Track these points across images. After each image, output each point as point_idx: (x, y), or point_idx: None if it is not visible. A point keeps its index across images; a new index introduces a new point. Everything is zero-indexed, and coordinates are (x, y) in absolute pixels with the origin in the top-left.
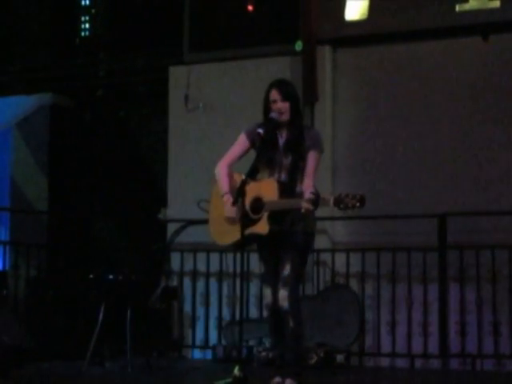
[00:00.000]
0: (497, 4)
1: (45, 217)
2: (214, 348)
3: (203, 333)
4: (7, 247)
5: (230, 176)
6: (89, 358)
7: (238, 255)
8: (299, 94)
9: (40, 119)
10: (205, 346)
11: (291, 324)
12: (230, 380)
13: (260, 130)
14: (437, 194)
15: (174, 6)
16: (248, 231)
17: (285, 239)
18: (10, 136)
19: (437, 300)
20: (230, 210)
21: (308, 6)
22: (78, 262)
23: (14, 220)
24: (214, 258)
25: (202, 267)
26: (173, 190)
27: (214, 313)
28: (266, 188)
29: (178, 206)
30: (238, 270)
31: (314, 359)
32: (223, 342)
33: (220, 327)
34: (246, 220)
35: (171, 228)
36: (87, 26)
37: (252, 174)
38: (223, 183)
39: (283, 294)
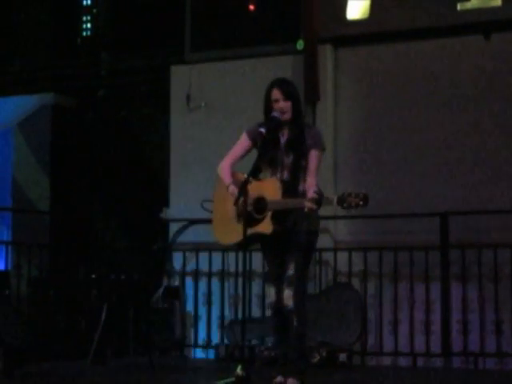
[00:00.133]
0: (498, 2)
1: (47, 217)
2: (216, 347)
3: (205, 332)
4: (9, 247)
5: (233, 174)
6: (91, 358)
7: (240, 254)
8: (300, 94)
9: (42, 119)
10: (207, 345)
11: (295, 323)
12: (232, 379)
13: (262, 130)
14: (439, 192)
15: (176, 6)
16: (251, 231)
17: (288, 239)
18: (12, 136)
19: (439, 299)
20: (233, 208)
21: (309, 5)
22: (80, 261)
23: (15, 220)
24: (216, 257)
25: (204, 267)
26: (174, 189)
27: (216, 312)
28: (269, 187)
29: (179, 206)
30: (240, 269)
31: (316, 358)
32: (225, 341)
33: (222, 327)
34: (249, 220)
35: (173, 228)
36: (89, 25)
37: (254, 174)
38: (226, 178)
39: (288, 293)
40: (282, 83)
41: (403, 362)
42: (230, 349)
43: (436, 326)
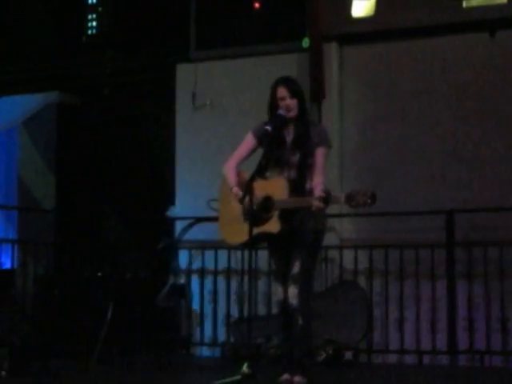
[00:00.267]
0: (504, 0)
1: (52, 215)
2: (222, 345)
3: (211, 330)
4: (15, 245)
5: (238, 174)
6: (97, 356)
7: (246, 253)
8: (305, 91)
9: (47, 117)
10: (213, 343)
11: (300, 321)
12: (238, 377)
13: (268, 127)
14: (444, 190)
15: (181, 4)
16: (259, 230)
17: (295, 237)
18: (17, 134)
19: (445, 297)
20: (239, 207)
21: (315, 3)
22: (86, 260)
23: (21, 218)
24: (222, 255)
25: (209, 265)
26: (180, 187)
27: (222, 310)
28: (276, 187)
29: (185, 204)
30: (246, 267)
31: (322, 356)
32: (231, 339)
33: (228, 325)
34: (256, 219)
35: (179, 226)
36: (94, 24)
37: (260, 172)
38: (231, 179)
39: (293, 291)
40: (287, 81)
41: (409, 359)
42: (236, 347)
43: (442, 324)
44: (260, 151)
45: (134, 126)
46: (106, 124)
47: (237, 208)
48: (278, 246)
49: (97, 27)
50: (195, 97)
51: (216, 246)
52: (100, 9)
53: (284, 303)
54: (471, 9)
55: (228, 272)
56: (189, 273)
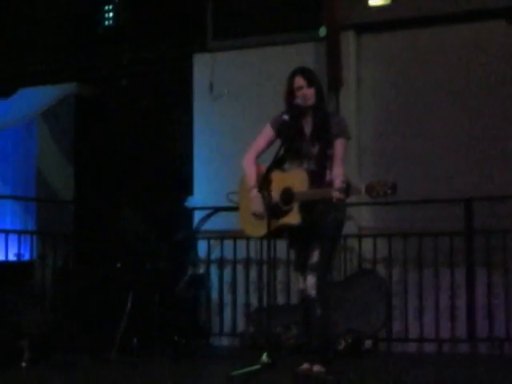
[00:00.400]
0: None
1: (71, 206)
2: (241, 335)
3: (231, 320)
4: (34, 237)
5: (257, 168)
6: (117, 347)
7: (265, 242)
8: (322, 81)
9: (65, 109)
10: (232, 333)
11: (319, 311)
12: (258, 367)
13: (285, 117)
14: (463, 178)
15: None
16: (279, 222)
17: (316, 228)
18: (36, 126)
19: (464, 284)
20: (256, 206)
21: None
22: (105, 250)
23: (40, 210)
24: (241, 245)
25: (228, 255)
26: (198, 177)
27: (241, 300)
28: (296, 178)
29: (204, 194)
30: (265, 256)
31: (342, 345)
32: (251, 329)
33: (247, 314)
34: (276, 211)
35: (198, 216)
36: (111, 15)
37: (278, 164)
38: (250, 177)
39: (311, 281)
40: (304, 71)
41: (429, 348)
42: (256, 336)
43: (461, 312)
44: (277, 143)
45: (151, 117)
46: (124, 115)
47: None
48: (299, 237)
49: (113, 18)
50: (212, 87)
51: (235, 235)
52: (116, 0)
53: (304, 293)
54: None
55: (247, 262)
56: (208, 263)
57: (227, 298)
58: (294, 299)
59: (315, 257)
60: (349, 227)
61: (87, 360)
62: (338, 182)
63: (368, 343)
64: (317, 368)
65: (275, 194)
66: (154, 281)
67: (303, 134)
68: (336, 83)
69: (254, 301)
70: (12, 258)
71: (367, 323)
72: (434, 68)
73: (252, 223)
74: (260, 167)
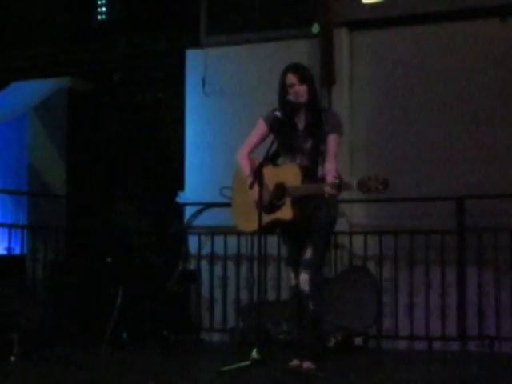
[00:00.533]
0: None
1: (63, 200)
2: (231, 331)
3: (221, 316)
4: (25, 231)
5: (251, 162)
6: (107, 341)
7: (256, 238)
8: (315, 77)
9: (57, 103)
10: (222, 328)
11: (311, 307)
12: (248, 363)
13: (278, 113)
14: (455, 176)
15: None
16: (272, 217)
17: (308, 224)
18: (28, 120)
19: (455, 282)
20: (252, 195)
21: None
22: (96, 245)
23: (31, 204)
24: (232, 241)
25: (219, 250)
26: (190, 173)
27: (231, 296)
28: (289, 174)
29: (195, 189)
30: (256, 252)
31: (332, 342)
32: (241, 324)
33: (238, 310)
34: (269, 206)
35: (189, 211)
36: (104, 9)
37: (271, 159)
38: (245, 167)
39: (304, 277)
40: (296, 68)
41: (419, 345)
42: (246, 332)
43: (452, 310)
44: (270, 138)
45: (144, 112)
46: (117, 109)
47: (251, 196)
48: (291, 232)
49: (107, 13)
50: (205, 82)
51: (225, 231)
52: None
53: (296, 289)
54: None
55: (238, 258)
56: (198, 258)
57: (218, 293)
58: (285, 295)
59: (308, 253)
60: (340, 224)
61: (77, 354)
62: (330, 178)
63: (358, 340)
64: (307, 364)
65: (268, 189)
66: (144, 275)
67: (296, 130)
68: (329, 80)
69: (244, 297)
70: (2, 251)
71: (357, 320)
72: (427, 65)
73: (245, 218)
74: (255, 161)
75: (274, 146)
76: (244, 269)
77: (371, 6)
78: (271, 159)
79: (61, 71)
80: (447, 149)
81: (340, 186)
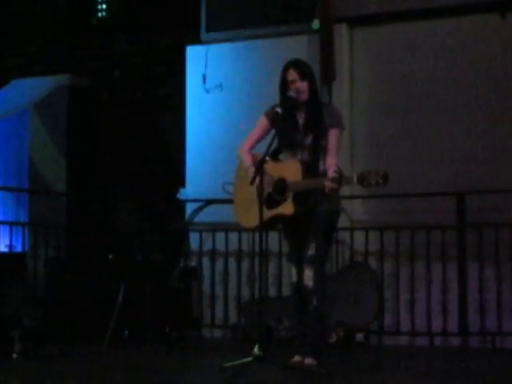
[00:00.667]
0: None
1: (63, 198)
2: (233, 327)
3: (222, 312)
4: (26, 228)
5: (253, 157)
6: (108, 339)
7: (257, 234)
8: (316, 73)
9: (58, 100)
10: (224, 325)
11: (315, 303)
12: (249, 359)
13: (278, 109)
14: (455, 171)
15: None
16: (273, 212)
17: (310, 219)
18: (28, 118)
19: (456, 278)
20: (254, 190)
21: None
22: (97, 242)
23: (32, 201)
24: (233, 237)
25: (220, 247)
26: (190, 170)
27: (232, 292)
28: (290, 169)
29: (196, 186)
30: (257, 249)
31: (333, 338)
32: (242, 321)
33: (239, 307)
34: (270, 201)
35: (190, 208)
36: (104, 6)
37: (272, 154)
38: (246, 159)
39: (308, 273)
40: (297, 64)
41: (420, 341)
42: (247, 328)
43: (453, 306)
44: (271, 134)
45: (144, 109)
46: (117, 106)
47: (252, 192)
48: (293, 228)
49: (107, 10)
50: (206, 79)
51: (226, 227)
52: None
53: (298, 285)
54: None
55: (239, 254)
56: (200, 255)
57: (219, 290)
58: (286, 292)
59: (311, 250)
60: (341, 220)
61: (79, 352)
62: (330, 172)
63: (360, 336)
64: (308, 361)
65: (269, 184)
66: (145, 273)
67: (297, 125)
68: (329, 76)
69: (245, 293)
70: (3, 249)
71: (359, 316)
72: (427, 61)
73: (246, 214)
74: (256, 156)
75: (275, 142)
76: (245, 265)
77: (371, 1)
78: (273, 155)
79: (61, 68)
80: (448, 144)
81: (340, 180)
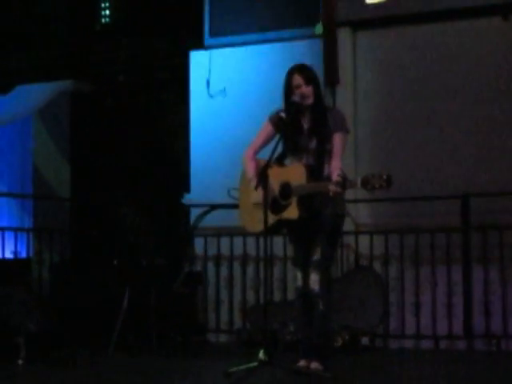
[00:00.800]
0: None
1: (67, 203)
2: (238, 332)
3: (227, 317)
4: (30, 234)
5: (257, 163)
6: (114, 344)
7: (261, 239)
8: (319, 77)
9: (61, 106)
10: (229, 329)
11: (321, 307)
12: (254, 364)
13: (283, 114)
14: (460, 174)
15: None
16: (278, 217)
17: (315, 223)
18: (32, 123)
19: (461, 281)
20: (259, 195)
21: None
22: (102, 247)
23: (36, 207)
24: (238, 241)
25: (225, 251)
26: (195, 174)
27: (237, 297)
28: (294, 173)
29: (200, 191)
30: (262, 253)
31: (339, 342)
32: (247, 325)
33: (244, 311)
34: (275, 206)
35: (194, 213)
36: (107, 12)
37: (277, 159)
38: (249, 168)
39: (314, 277)
40: (302, 68)
41: (425, 344)
42: (253, 333)
43: (458, 309)
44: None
45: (148, 114)
46: (121, 111)
47: (256, 197)
48: (298, 232)
49: (110, 15)
50: (209, 84)
51: (231, 232)
52: None
53: (303, 289)
54: None
55: (244, 258)
56: (204, 259)
57: (224, 294)
58: (291, 296)
59: (317, 254)
60: (346, 224)
61: (84, 357)
62: (334, 176)
63: (365, 340)
64: (314, 365)
65: (274, 189)
66: (150, 277)
67: (301, 130)
68: (332, 80)
69: (250, 297)
70: (9, 255)
71: (364, 320)
72: (431, 64)
73: (251, 218)
74: (260, 162)
75: (280, 147)
76: (250, 269)
77: (374, 5)
78: (278, 160)
79: (64, 74)
80: (452, 147)
81: (344, 184)
